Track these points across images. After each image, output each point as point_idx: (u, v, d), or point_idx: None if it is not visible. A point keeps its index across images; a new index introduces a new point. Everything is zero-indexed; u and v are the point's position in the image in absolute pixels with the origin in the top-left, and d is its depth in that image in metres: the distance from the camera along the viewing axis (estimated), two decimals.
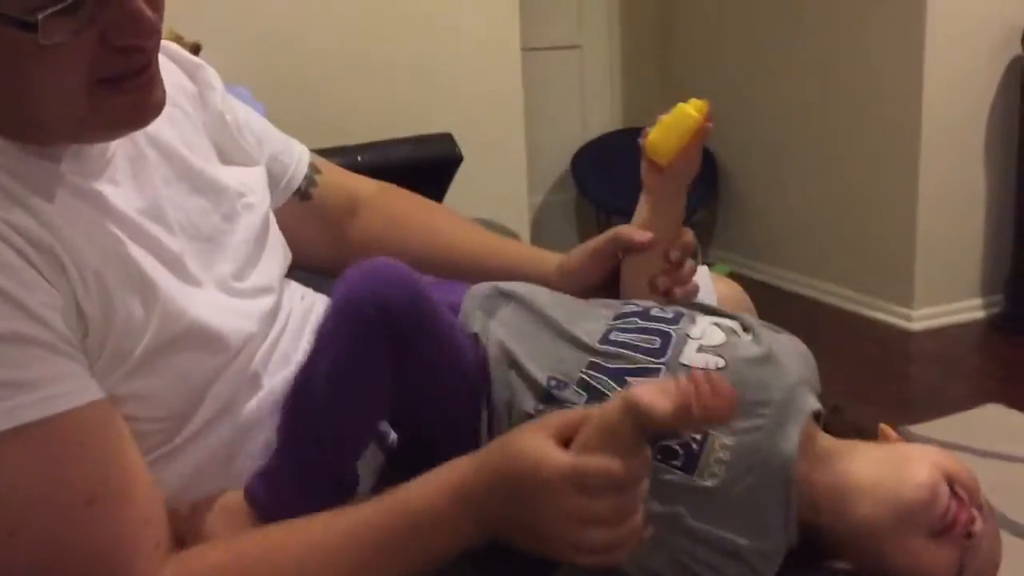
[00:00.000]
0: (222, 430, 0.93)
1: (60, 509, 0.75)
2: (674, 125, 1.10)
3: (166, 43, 0.93)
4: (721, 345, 0.93)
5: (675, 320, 0.96)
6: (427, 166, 2.53)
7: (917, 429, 2.70)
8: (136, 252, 0.87)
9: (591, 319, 0.97)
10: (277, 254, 1.10)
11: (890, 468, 0.88)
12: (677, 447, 0.84)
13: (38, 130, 0.81)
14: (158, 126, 0.96)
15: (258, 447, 0.95)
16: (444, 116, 3.05)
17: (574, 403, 0.89)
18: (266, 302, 1.02)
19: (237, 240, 1.02)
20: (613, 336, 0.94)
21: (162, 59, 0.86)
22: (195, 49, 2.27)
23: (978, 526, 0.86)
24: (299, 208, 1.23)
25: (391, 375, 0.90)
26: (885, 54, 3.66)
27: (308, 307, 1.10)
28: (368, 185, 1.33)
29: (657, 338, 0.93)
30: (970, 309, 3.79)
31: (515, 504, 0.79)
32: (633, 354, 0.92)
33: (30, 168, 0.81)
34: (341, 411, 0.90)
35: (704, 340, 0.93)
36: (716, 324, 0.97)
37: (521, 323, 0.97)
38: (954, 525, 0.85)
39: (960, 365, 3.47)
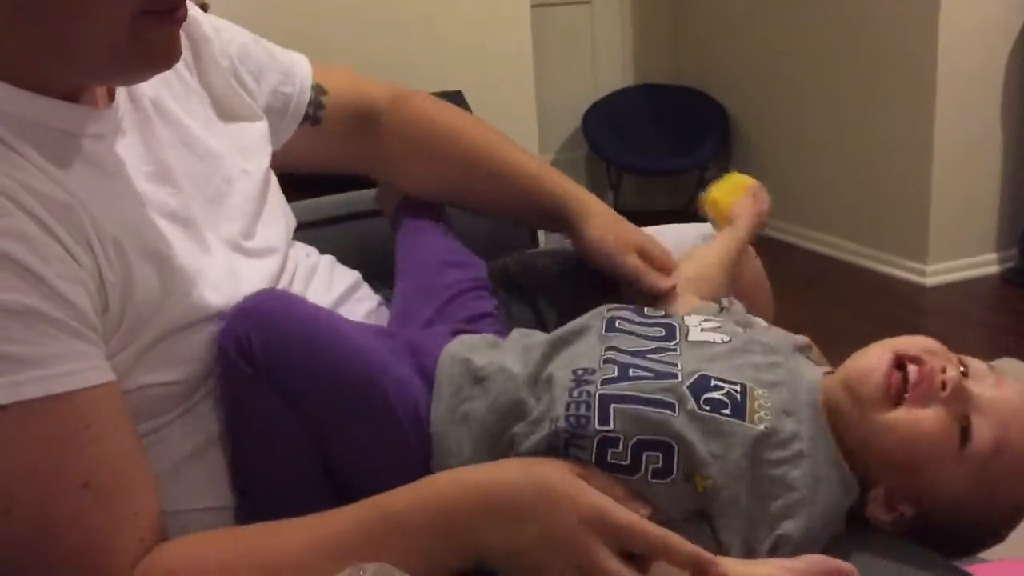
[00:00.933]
0: None
1: (54, 489, 0.74)
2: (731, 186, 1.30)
3: None
4: (719, 326, 0.95)
5: (669, 315, 0.98)
6: None
7: None
8: (151, 220, 0.87)
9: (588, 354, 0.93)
10: (278, 215, 1.09)
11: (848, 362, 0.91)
12: (724, 398, 0.84)
13: (67, 60, 0.79)
14: (159, 92, 0.97)
15: None
16: (454, 73, 3.03)
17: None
18: (273, 261, 1.02)
19: (237, 201, 1.02)
20: (619, 324, 0.94)
21: None
22: (202, 7, 2.26)
23: (950, 375, 0.85)
24: (312, 132, 1.21)
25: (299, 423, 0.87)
26: (901, 6, 3.61)
27: (313, 264, 1.11)
28: (381, 92, 1.28)
29: (661, 328, 0.94)
30: (985, 264, 3.77)
31: (518, 527, 0.75)
32: (644, 341, 0.92)
33: (52, 137, 0.81)
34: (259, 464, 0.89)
35: (703, 323, 0.95)
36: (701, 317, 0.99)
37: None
38: (906, 387, 0.85)
39: (974, 320, 3.46)
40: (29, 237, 0.74)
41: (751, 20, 4.34)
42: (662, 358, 0.88)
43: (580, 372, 0.87)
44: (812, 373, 0.92)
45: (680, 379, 0.85)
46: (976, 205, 3.71)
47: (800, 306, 3.35)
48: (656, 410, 0.82)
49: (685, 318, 0.96)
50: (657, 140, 4.59)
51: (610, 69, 4.80)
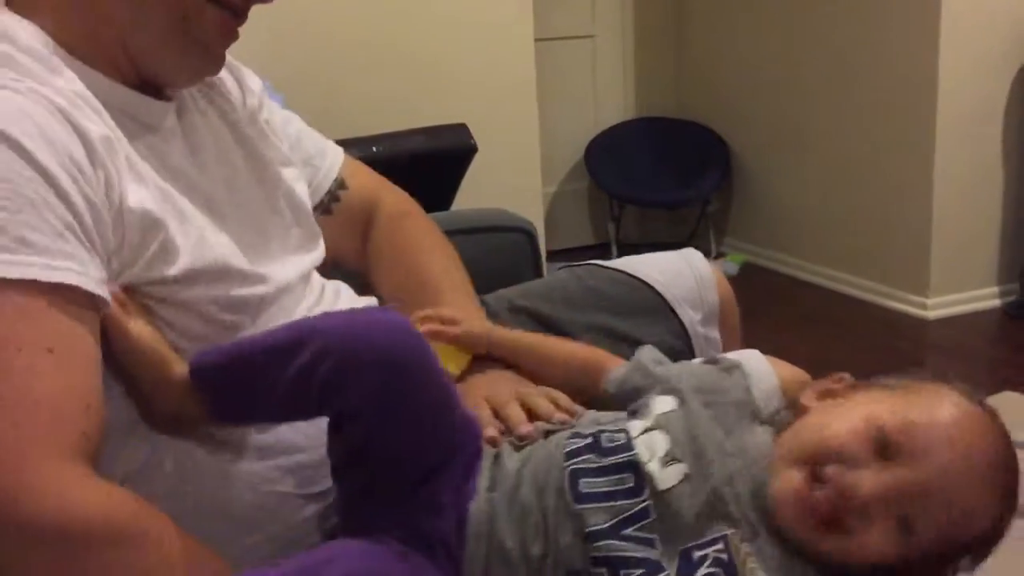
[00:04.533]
0: None
1: (16, 345, 0.78)
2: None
3: None
4: (671, 449, 0.92)
5: (628, 445, 0.93)
6: (442, 156, 2.54)
7: None
8: (181, 196, 0.97)
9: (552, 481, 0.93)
10: (314, 244, 1.17)
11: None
12: (712, 569, 0.86)
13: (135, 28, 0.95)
14: (207, 113, 1.09)
15: None
16: (458, 107, 3.05)
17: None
18: (305, 261, 1.11)
19: (278, 225, 1.11)
20: (584, 489, 0.91)
21: None
22: None
23: (866, 490, 0.83)
24: (319, 220, 1.25)
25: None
26: (901, 41, 3.64)
27: (336, 288, 1.18)
28: (389, 204, 1.36)
29: (628, 474, 0.91)
30: (986, 297, 3.77)
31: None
32: (617, 503, 0.90)
33: (113, 110, 0.93)
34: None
35: (656, 450, 0.92)
36: (646, 426, 0.95)
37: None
38: (825, 513, 0.84)
39: (976, 353, 3.46)
40: (58, 147, 0.83)
41: (753, 55, 4.38)
42: (638, 533, 0.88)
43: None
44: (762, 457, 0.90)
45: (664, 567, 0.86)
46: (977, 239, 3.72)
47: (802, 340, 3.36)
48: None
49: (639, 449, 0.92)
50: (659, 173, 4.61)
51: (612, 103, 4.84)
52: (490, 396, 1.09)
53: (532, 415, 1.05)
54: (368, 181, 1.36)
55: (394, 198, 1.37)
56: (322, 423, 0.94)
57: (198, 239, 0.95)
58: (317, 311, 1.10)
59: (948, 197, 3.62)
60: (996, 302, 3.79)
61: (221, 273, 0.97)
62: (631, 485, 0.90)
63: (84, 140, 0.86)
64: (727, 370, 0.99)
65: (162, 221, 0.91)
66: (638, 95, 4.89)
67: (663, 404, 0.97)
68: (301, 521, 1.01)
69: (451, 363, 1.12)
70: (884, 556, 0.84)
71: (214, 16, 0.97)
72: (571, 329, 1.30)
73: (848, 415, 0.89)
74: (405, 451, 0.91)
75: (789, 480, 0.86)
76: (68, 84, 0.90)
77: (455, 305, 1.22)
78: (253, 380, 0.91)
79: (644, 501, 0.89)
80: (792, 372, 1.08)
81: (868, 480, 0.84)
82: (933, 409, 0.87)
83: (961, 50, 3.51)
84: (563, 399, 1.08)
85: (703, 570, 0.85)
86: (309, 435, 1.00)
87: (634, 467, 0.91)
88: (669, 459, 0.90)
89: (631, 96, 4.89)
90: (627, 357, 1.10)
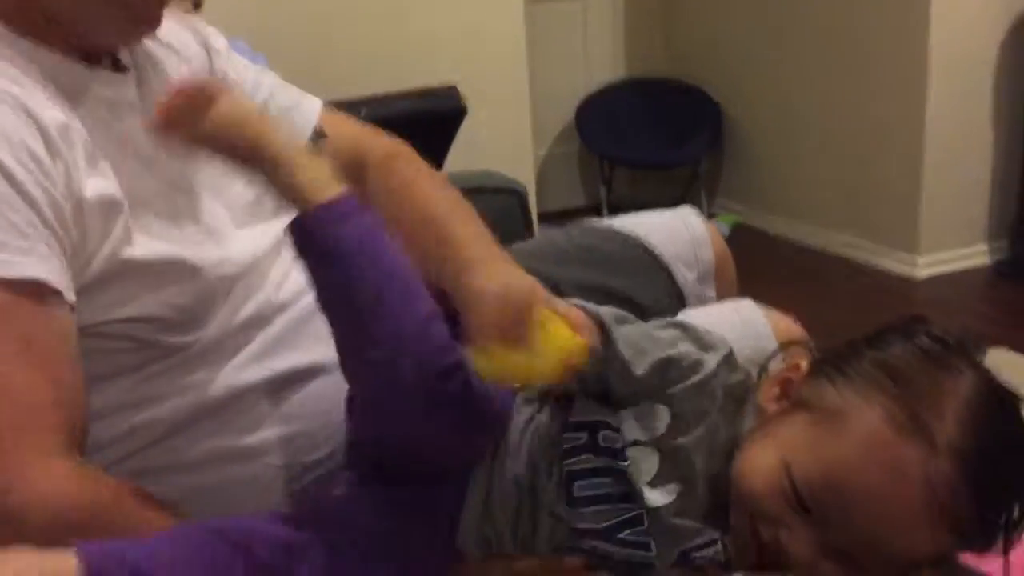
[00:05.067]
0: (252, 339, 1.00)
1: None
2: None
3: (179, 14, 1.06)
4: (661, 469, 0.90)
5: (622, 453, 0.90)
6: (431, 118, 2.52)
7: None
8: (144, 172, 0.95)
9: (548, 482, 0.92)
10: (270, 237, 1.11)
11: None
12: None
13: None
14: (180, 72, 1.06)
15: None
16: (449, 69, 3.03)
17: None
18: (274, 229, 1.06)
19: (233, 195, 1.07)
20: (578, 492, 0.90)
21: (175, 25, 1.01)
22: (195, 5, 2.26)
23: (780, 541, 0.84)
24: None
25: None
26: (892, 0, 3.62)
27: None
28: (377, 149, 1.28)
29: (622, 481, 0.90)
30: (976, 255, 3.78)
31: None
32: (611, 506, 0.90)
33: (65, 86, 0.91)
34: None
35: (646, 468, 0.89)
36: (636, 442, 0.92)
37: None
38: (771, 562, 0.85)
39: (966, 311, 3.47)
40: (14, 141, 0.82)
41: (742, 14, 4.35)
42: (634, 537, 0.89)
43: None
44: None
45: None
46: (967, 196, 3.72)
47: (791, 299, 3.35)
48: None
49: (631, 464, 0.89)
50: (650, 134, 4.59)
51: (602, 64, 4.81)
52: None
53: None
54: (351, 130, 1.30)
55: (383, 142, 1.30)
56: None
57: (153, 218, 0.94)
58: (292, 275, 1.07)
59: (938, 155, 3.61)
60: (986, 259, 3.79)
61: (176, 263, 0.95)
62: (626, 490, 0.89)
63: (42, 131, 0.84)
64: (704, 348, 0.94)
65: (121, 203, 0.90)
66: (628, 56, 4.85)
67: (657, 420, 0.90)
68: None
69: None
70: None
71: None
72: (564, 287, 1.29)
73: (767, 461, 0.86)
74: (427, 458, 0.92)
75: (738, 520, 0.87)
76: (12, 65, 0.87)
77: (470, 242, 1.14)
78: None
79: (638, 510, 0.89)
80: (785, 322, 1.08)
81: (794, 541, 0.83)
82: (849, 451, 0.82)
83: (952, 7, 3.48)
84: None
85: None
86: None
87: (627, 479, 0.89)
88: (660, 480, 0.89)
89: (621, 57, 4.85)
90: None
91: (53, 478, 0.77)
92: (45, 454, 0.77)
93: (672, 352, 0.89)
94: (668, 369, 0.89)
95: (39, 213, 0.82)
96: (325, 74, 2.81)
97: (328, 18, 3.06)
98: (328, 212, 0.88)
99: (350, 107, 2.36)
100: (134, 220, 0.90)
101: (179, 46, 1.09)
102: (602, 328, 0.87)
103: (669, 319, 1.02)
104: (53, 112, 0.86)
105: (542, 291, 0.92)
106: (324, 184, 0.89)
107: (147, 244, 0.91)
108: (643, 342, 0.89)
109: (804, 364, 0.92)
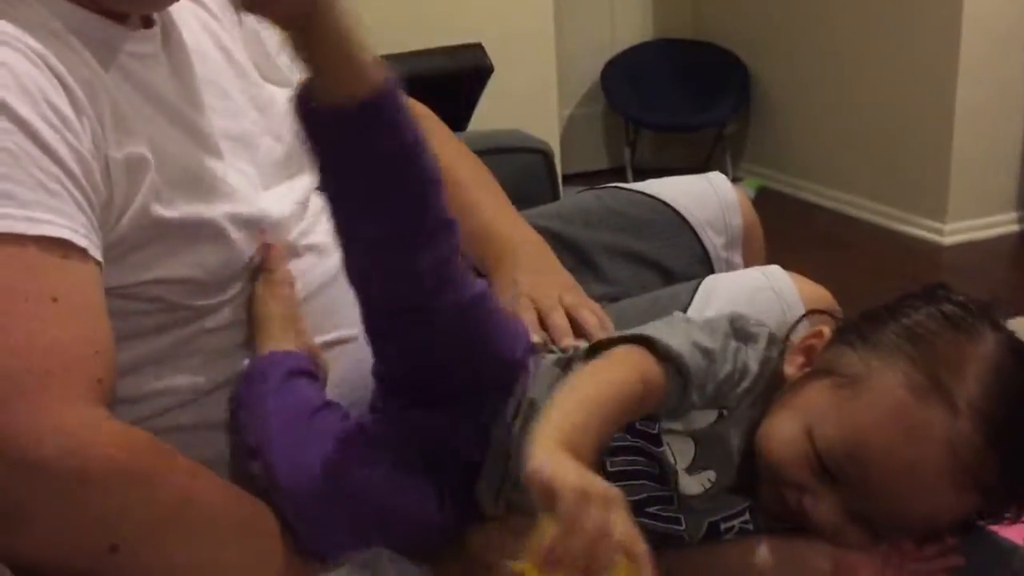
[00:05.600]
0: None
1: (21, 295, 0.78)
2: None
3: None
4: (698, 455, 0.89)
5: (657, 438, 0.89)
6: (457, 77, 2.51)
7: None
8: (171, 130, 0.94)
9: None
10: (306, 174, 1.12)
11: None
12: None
13: None
14: (198, 38, 1.04)
15: None
16: (474, 27, 3.01)
17: None
18: (301, 186, 1.07)
19: (260, 155, 1.07)
20: (609, 468, 0.89)
21: None
22: None
23: (804, 506, 0.85)
24: None
25: None
26: None
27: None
28: None
29: (655, 462, 0.89)
30: (1004, 223, 3.75)
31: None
32: (641, 483, 0.89)
33: (95, 43, 0.90)
34: None
35: (683, 454, 0.89)
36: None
37: None
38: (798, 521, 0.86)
39: (992, 278, 3.44)
40: (38, 99, 0.81)
41: None
42: (663, 512, 0.88)
43: None
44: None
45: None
46: (996, 164, 3.68)
47: (818, 265, 3.33)
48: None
49: (667, 448, 0.89)
50: (675, 96, 4.56)
51: (629, 24, 4.76)
52: (537, 298, 1.07)
53: (577, 329, 1.04)
54: None
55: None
56: None
57: (181, 175, 0.94)
58: (312, 233, 1.08)
59: (968, 122, 3.57)
60: (1014, 227, 3.76)
61: (204, 224, 0.95)
62: (658, 472, 0.89)
63: (66, 88, 0.84)
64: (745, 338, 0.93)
65: (149, 160, 0.90)
66: (655, 16, 4.80)
67: (702, 418, 0.90)
68: None
69: None
70: (863, 544, 0.85)
71: None
72: (591, 249, 1.29)
73: (790, 428, 0.86)
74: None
75: (767, 488, 0.88)
76: (36, 16, 0.87)
77: (492, 210, 1.17)
78: None
79: (670, 491, 0.88)
80: (813, 288, 1.07)
81: (819, 507, 0.84)
82: (871, 415, 0.82)
83: None
84: (606, 320, 1.07)
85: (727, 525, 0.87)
86: None
87: (661, 462, 0.89)
88: (695, 467, 0.88)
89: (648, 17, 4.81)
90: (646, 278, 1.09)
91: (85, 430, 0.78)
92: (76, 406, 0.78)
93: (725, 370, 0.89)
94: (721, 386, 0.89)
95: (65, 169, 0.82)
96: None
97: None
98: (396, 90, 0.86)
99: None
100: (161, 178, 0.90)
101: (206, 2, 1.09)
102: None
103: (714, 316, 0.99)
104: (78, 68, 0.86)
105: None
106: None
107: (175, 204, 0.91)
108: (700, 375, 0.87)
109: (827, 331, 0.92)
